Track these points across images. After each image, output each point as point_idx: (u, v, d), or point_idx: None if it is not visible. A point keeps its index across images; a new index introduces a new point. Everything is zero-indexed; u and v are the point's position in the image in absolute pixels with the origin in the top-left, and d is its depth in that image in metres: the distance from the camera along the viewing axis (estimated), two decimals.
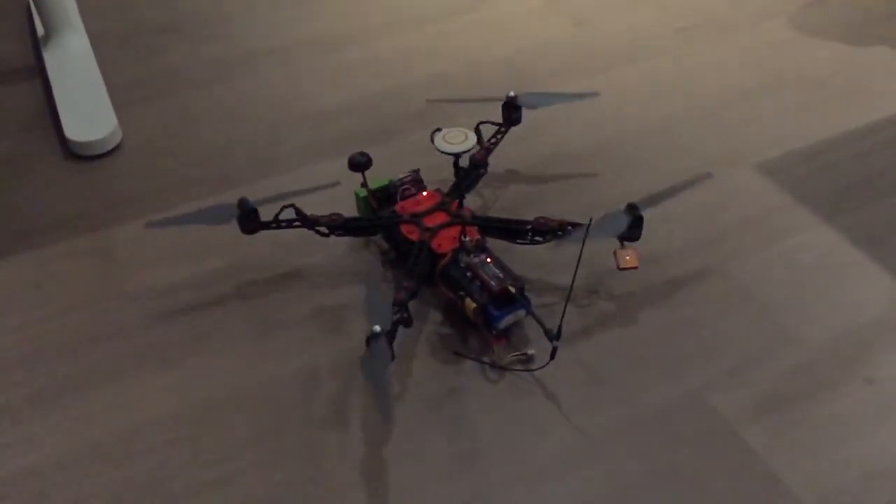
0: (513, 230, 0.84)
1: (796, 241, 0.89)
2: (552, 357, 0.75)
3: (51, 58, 1.18)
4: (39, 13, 1.19)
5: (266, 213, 0.85)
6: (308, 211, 0.85)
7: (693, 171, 0.98)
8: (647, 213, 0.81)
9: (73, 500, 0.69)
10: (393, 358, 0.72)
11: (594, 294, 0.84)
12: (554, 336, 0.73)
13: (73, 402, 0.77)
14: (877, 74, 1.12)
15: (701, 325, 0.81)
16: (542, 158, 1.01)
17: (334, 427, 0.74)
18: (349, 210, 0.88)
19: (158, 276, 0.88)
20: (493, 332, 0.77)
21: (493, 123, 0.95)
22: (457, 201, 0.86)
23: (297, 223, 0.85)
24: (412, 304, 0.78)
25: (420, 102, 1.11)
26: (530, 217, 0.84)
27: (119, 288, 0.87)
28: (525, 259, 0.86)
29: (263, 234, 0.86)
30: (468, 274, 0.78)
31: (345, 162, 0.86)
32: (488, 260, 0.79)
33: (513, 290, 0.76)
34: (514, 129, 0.98)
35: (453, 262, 0.79)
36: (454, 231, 0.82)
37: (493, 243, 0.84)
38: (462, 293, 0.77)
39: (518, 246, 0.85)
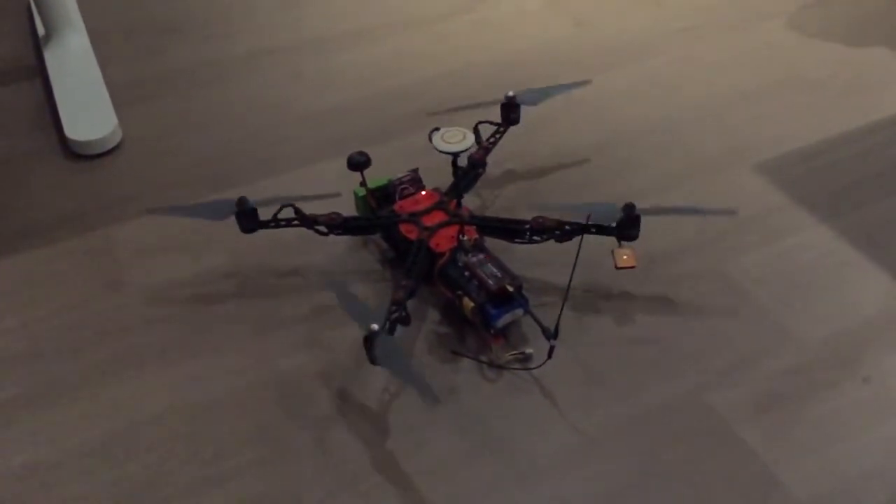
0: (511, 229, 0.84)
1: (795, 241, 0.89)
2: (549, 356, 0.75)
3: (51, 57, 1.19)
4: (40, 12, 1.19)
5: (265, 213, 0.85)
6: (307, 210, 0.85)
7: (692, 170, 0.98)
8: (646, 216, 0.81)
9: (71, 498, 0.70)
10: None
11: (592, 293, 0.84)
12: (551, 335, 0.74)
13: (72, 400, 0.77)
14: (876, 75, 1.12)
15: (699, 324, 0.81)
16: (540, 158, 1.01)
17: (333, 425, 0.74)
18: (348, 209, 0.88)
19: (158, 274, 0.89)
20: (491, 331, 0.77)
21: (491, 123, 0.95)
22: (455, 201, 0.86)
23: (295, 222, 0.85)
24: (410, 303, 0.79)
25: (419, 102, 1.11)
26: (528, 217, 0.84)
27: (118, 287, 0.88)
28: (523, 258, 0.86)
29: (262, 233, 0.86)
30: (466, 273, 0.78)
31: (344, 162, 0.86)
32: (486, 259, 0.79)
33: (510, 289, 0.76)
34: (512, 129, 0.98)
35: (451, 261, 0.80)
36: (452, 230, 0.82)
37: (491, 243, 0.84)
38: (460, 292, 0.78)
39: (516, 245, 0.85)
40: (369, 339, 0.70)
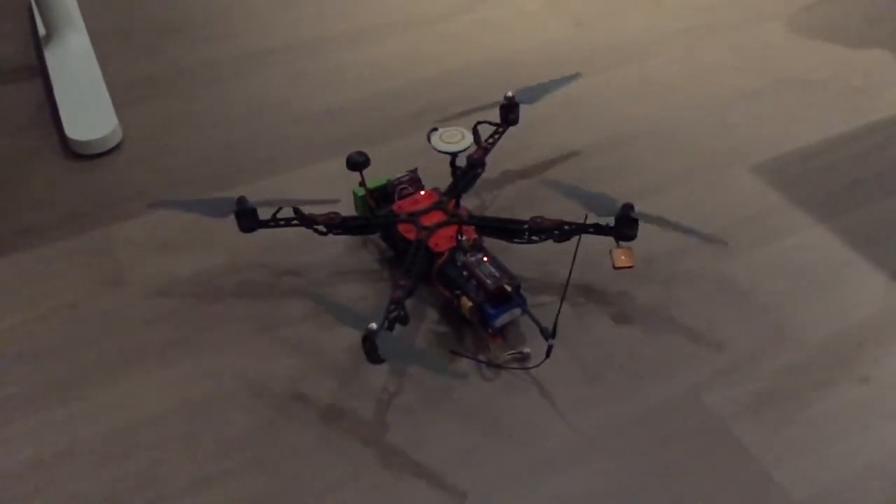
0: (509, 229, 0.84)
1: (793, 241, 0.89)
2: (547, 355, 0.75)
3: (52, 57, 1.19)
4: (40, 12, 1.20)
5: (264, 213, 0.85)
6: (306, 210, 0.86)
7: (690, 171, 0.99)
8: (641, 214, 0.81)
9: (70, 496, 0.70)
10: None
11: (590, 293, 0.84)
12: (549, 334, 0.74)
13: (71, 398, 0.77)
14: (876, 76, 1.12)
15: (696, 323, 0.81)
16: (539, 159, 1.01)
17: (332, 424, 0.74)
18: (347, 209, 0.89)
19: (158, 274, 0.89)
20: (490, 331, 0.77)
21: (490, 123, 0.95)
22: (454, 201, 0.86)
23: (295, 222, 0.85)
24: (409, 303, 0.79)
25: (419, 102, 1.11)
26: (527, 216, 0.84)
27: (118, 286, 0.88)
28: (522, 258, 0.86)
29: (262, 232, 0.86)
30: (465, 273, 0.78)
31: (343, 162, 0.86)
32: (485, 259, 0.79)
33: (509, 288, 0.76)
34: (511, 129, 0.98)
35: (450, 260, 0.80)
36: (451, 230, 0.83)
37: (490, 243, 0.84)
38: (458, 292, 0.78)
39: (515, 245, 0.85)
40: (368, 339, 0.70)
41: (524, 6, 1.30)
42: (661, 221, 0.82)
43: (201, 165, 1.03)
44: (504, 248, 0.85)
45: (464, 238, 0.81)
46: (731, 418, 0.73)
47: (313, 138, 1.06)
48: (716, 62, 1.16)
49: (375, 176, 0.88)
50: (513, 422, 0.73)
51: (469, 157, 0.91)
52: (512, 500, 0.68)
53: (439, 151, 0.82)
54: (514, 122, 0.97)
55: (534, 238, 0.83)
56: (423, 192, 0.88)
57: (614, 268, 0.82)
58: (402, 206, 0.86)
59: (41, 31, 1.24)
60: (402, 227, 0.84)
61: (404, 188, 0.88)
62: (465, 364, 0.78)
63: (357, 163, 0.85)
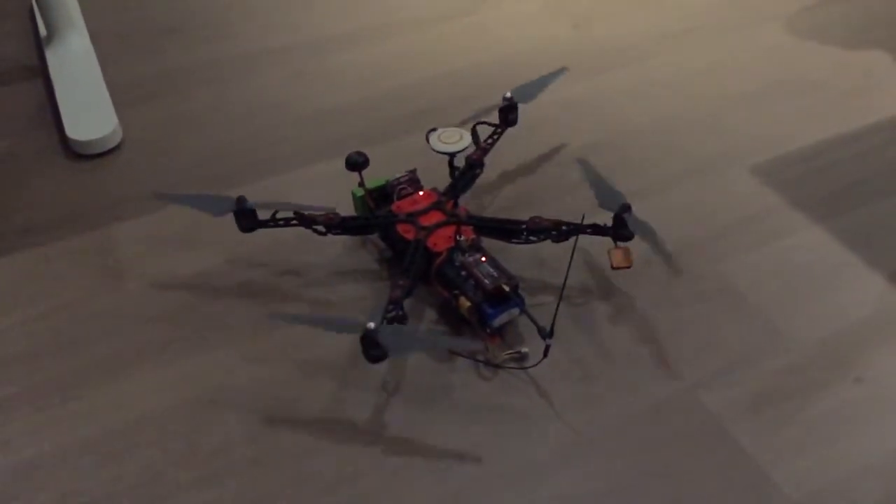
0: (508, 230, 0.84)
1: (790, 242, 0.89)
2: (545, 355, 0.75)
3: (52, 57, 1.19)
4: (41, 13, 1.20)
5: (263, 213, 0.86)
6: (305, 211, 0.86)
7: (688, 172, 0.99)
8: (637, 213, 0.81)
9: (69, 495, 0.70)
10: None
11: (588, 293, 0.84)
12: (547, 334, 0.74)
13: (71, 397, 0.78)
14: (874, 78, 1.12)
15: (693, 324, 0.81)
16: (538, 159, 1.02)
17: (330, 424, 0.74)
18: (346, 209, 0.89)
19: (157, 273, 0.89)
20: (488, 330, 0.78)
21: (489, 124, 0.96)
22: (452, 201, 0.86)
23: (294, 222, 0.86)
24: (407, 302, 0.79)
25: (418, 103, 1.11)
26: (526, 217, 0.84)
27: (118, 285, 0.88)
28: (520, 258, 0.87)
29: (261, 232, 0.86)
30: (463, 273, 0.78)
31: (343, 162, 0.87)
32: (483, 259, 0.79)
33: (507, 288, 0.76)
34: (510, 130, 0.98)
35: (448, 260, 0.80)
36: (450, 230, 0.83)
37: (488, 243, 0.85)
38: (457, 291, 0.78)
39: (513, 245, 0.85)
40: (366, 338, 0.71)
41: (523, 8, 1.30)
42: (645, 230, 0.82)
43: (201, 165, 1.03)
44: (502, 249, 0.86)
45: (462, 238, 0.81)
46: (728, 418, 0.73)
47: (313, 139, 1.07)
48: (715, 63, 1.16)
49: (374, 176, 0.88)
50: (511, 421, 0.74)
51: (468, 158, 0.92)
52: (510, 499, 0.68)
53: (437, 152, 0.83)
54: (513, 122, 0.97)
55: (532, 238, 0.84)
56: (421, 193, 0.88)
57: (612, 268, 0.82)
58: (401, 206, 0.86)
59: (42, 31, 1.24)
60: (400, 228, 0.84)
61: (403, 188, 0.88)
62: (463, 364, 0.78)
63: (356, 163, 0.86)
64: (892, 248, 0.88)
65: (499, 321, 0.77)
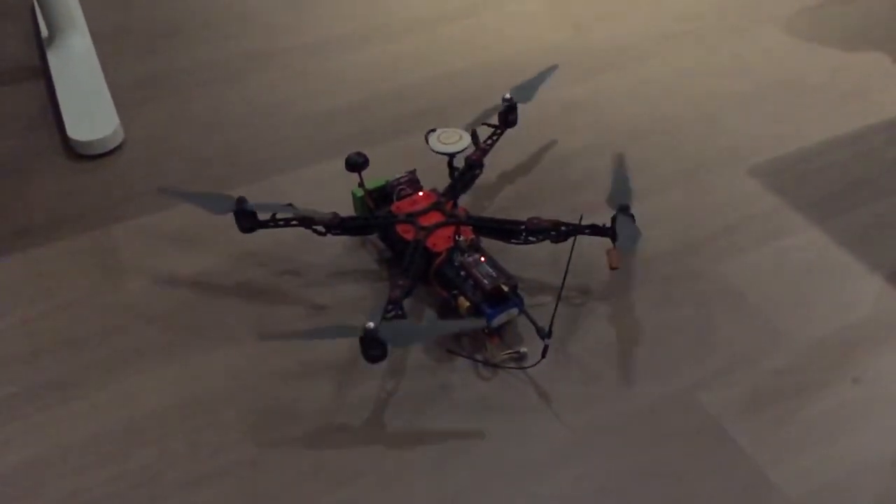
0: (507, 230, 0.85)
1: (789, 242, 0.90)
2: (544, 355, 0.76)
3: (54, 58, 1.20)
4: (43, 14, 1.21)
5: (264, 213, 0.86)
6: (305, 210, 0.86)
7: (687, 173, 0.99)
8: (637, 213, 0.82)
9: (70, 493, 0.70)
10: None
11: (587, 293, 0.85)
12: (545, 334, 0.74)
13: (72, 396, 0.78)
14: (871, 79, 1.12)
15: (691, 324, 0.81)
16: (537, 159, 1.02)
17: (329, 423, 0.75)
18: (346, 209, 0.89)
19: (158, 273, 0.90)
20: (486, 330, 0.78)
21: (489, 125, 0.96)
22: (451, 201, 0.87)
23: (294, 222, 0.86)
24: (407, 302, 0.80)
25: (418, 104, 1.12)
26: (525, 217, 0.85)
27: (119, 285, 0.89)
28: (519, 259, 0.87)
29: (261, 232, 0.87)
30: (462, 273, 0.79)
31: (343, 162, 0.87)
32: (482, 259, 0.80)
33: (506, 288, 0.77)
34: (510, 131, 0.99)
35: (448, 261, 0.80)
36: (449, 231, 0.83)
37: (487, 243, 0.85)
38: (456, 292, 0.78)
39: (512, 246, 0.86)
40: (365, 339, 0.71)
41: (524, 10, 1.31)
42: (632, 232, 0.81)
43: (202, 166, 1.04)
44: (501, 249, 0.86)
45: (461, 238, 0.81)
46: (727, 418, 0.73)
47: (313, 139, 1.07)
48: (714, 64, 1.17)
49: (374, 177, 0.88)
50: (510, 421, 0.74)
51: (467, 159, 0.92)
52: (510, 498, 0.69)
53: (437, 152, 0.83)
54: (513, 123, 0.98)
55: (531, 239, 0.84)
56: (421, 193, 0.88)
57: (611, 268, 0.82)
58: (401, 206, 0.87)
59: (43, 32, 1.24)
60: (400, 228, 0.85)
61: (403, 189, 0.88)
62: (461, 363, 0.79)
63: (356, 163, 0.86)
64: (890, 248, 0.88)
65: (498, 321, 0.77)
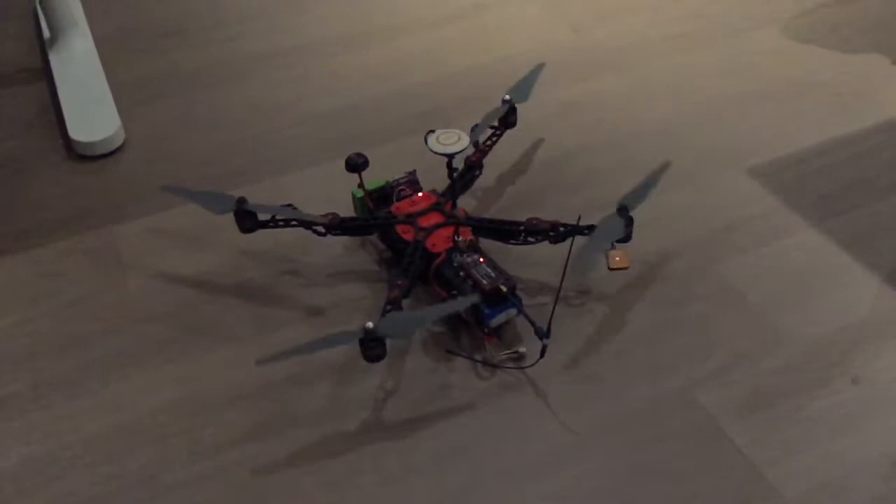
0: (506, 231, 0.85)
1: (786, 243, 0.90)
2: (542, 355, 0.76)
3: (56, 59, 1.20)
4: (45, 15, 1.21)
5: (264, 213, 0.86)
6: (305, 211, 0.87)
7: (686, 174, 0.99)
8: (637, 216, 0.82)
9: (71, 492, 0.71)
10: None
11: (585, 294, 0.85)
12: (544, 334, 0.75)
13: (73, 395, 0.78)
14: (870, 81, 1.13)
15: (690, 324, 0.82)
16: (536, 160, 1.02)
17: (329, 422, 0.75)
18: (346, 210, 0.90)
19: (159, 273, 0.90)
20: (485, 331, 0.78)
21: (488, 126, 0.96)
22: (451, 202, 0.87)
23: (294, 222, 0.86)
24: (406, 302, 0.80)
25: (418, 105, 1.12)
26: (523, 218, 0.85)
27: (121, 285, 0.89)
28: (518, 259, 0.87)
29: (261, 232, 0.87)
30: (461, 273, 0.79)
31: (343, 163, 0.87)
32: (481, 260, 0.80)
33: (504, 289, 0.77)
34: (509, 132, 0.99)
35: (447, 261, 0.81)
36: (448, 231, 0.84)
37: (486, 244, 0.85)
38: (455, 292, 0.79)
39: (511, 246, 0.86)
40: (364, 339, 0.71)
41: (523, 12, 1.31)
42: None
43: (203, 166, 1.04)
44: (500, 250, 0.86)
45: (460, 239, 0.82)
46: (725, 418, 0.74)
47: (313, 140, 1.08)
48: (713, 66, 1.17)
49: (374, 177, 0.89)
50: (507, 420, 0.74)
51: (467, 159, 0.92)
52: (507, 497, 0.69)
53: (436, 153, 0.83)
54: (513, 124, 0.98)
55: (529, 239, 0.84)
56: (420, 194, 0.89)
57: (609, 269, 0.83)
58: (400, 207, 0.87)
59: (46, 33, 1.25)
60: (399, 228, 0.85)
61: (402, 190, 0.89)
62: (460, 363, 0.79)
63: (356, 164, 0.86)
64: (889, 248, 0.89)
65: (496, 321, 0.78)
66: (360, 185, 0.88)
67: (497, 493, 0.69)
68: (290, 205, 0.88)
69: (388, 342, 0.73)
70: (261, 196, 0.98)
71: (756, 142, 1.04)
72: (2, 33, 1.32)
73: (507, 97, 0.96)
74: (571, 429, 0.74)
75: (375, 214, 0.88)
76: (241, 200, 0.85)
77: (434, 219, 0.85)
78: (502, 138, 0.98)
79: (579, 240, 0.83)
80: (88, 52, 1.22)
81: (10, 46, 1.29)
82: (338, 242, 0.92)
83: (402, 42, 1.25)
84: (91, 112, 1.10)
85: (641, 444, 0.72)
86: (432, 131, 0.82)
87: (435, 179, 0.92)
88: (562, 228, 0.83)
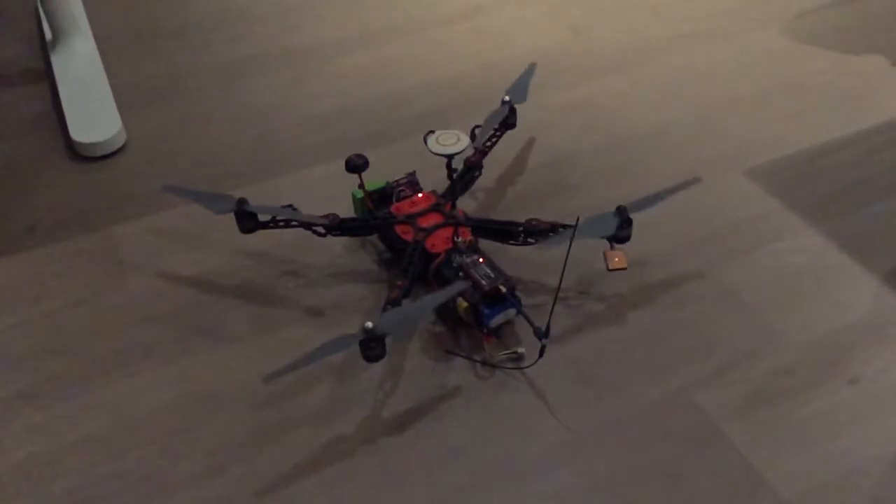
0: (505, 231, 0.85)
1: (784, 245, 0.90)
2: (541, 355, 0.76)
3: (58, 60, 1.21)
4: (47, 17, 1.22)
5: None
6: (305, 211, 0.87)
7: (685, 175, 1.00)
8: (636, 216, 0.82)
9: (71, 491, 0.71)
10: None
11: (584, 294, 0.85)
12: (542, 334, 0.75)
13: (73, 395, 0.79)
14: (868, 83, 1.13)
15: (688, 325, 0.82)
16: (536, 161, 1.03)
17: (328, 422, 0.75)
18: (346, 211, 0.90)
19: (160, 273, 0.90)
20: (484, 331, 0.78)
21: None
22: (450, 203, 0.87)
23: (294, 223, 0.87)
24: (405, 303, 0.80)
25: (418, 106, 1.12)
26: (523, 219, 0.85)
27: (122, 285, 0.89)
28: (517, 260, 0.87)
29: (261, 233, 0.87)
30: (460, 274, 0.79)
31: (343, 164, 0.88)
32: (480, 260, 0.80)
33: (503, 289, 0.77)
34: (509, 133, 0.99)
35: (446, 261, 0.81)
36: (448, 232, 0.84)
37: (486, 244, 0.86)
38: None
39: (510, 247, 0.86)
40: (364, 339, 0.71)
41: (523, 14, 1.31)
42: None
43: (204, 167, 1.05)
44: (499, 250, 0.87)
45: (460, 240, 0.82)
46: (722, 418, 0.74)
47: (314, 141, 1.08)
48: (712, 68, 1.17)
49: (374, 178, 0.89)
50: (506, 420, 0.75)
51: (466, 160, 0.93)
52: (506, 497, 0.69)
53: (435, 154, 0.83)
54: (512, 125, 0.98)
55: (529, 240, 0.84)
56: (420, 195, 0.89)
57: (608, 270, 0.83)
58: (400, 207, 0.87)
59: (47, 34, 1.25)
60: (399, 229, 0.85)
61: (402, 190, 0.89)
62: (460, 363, 0.79)
63: (356, 165, 0.87)
64: (886, 250, 0.89)
65: (495, 322, 0.78)
66: (360, 186, 0.88)
67: (496, 493, 0.69)
68: (290, 205, 0.88)
69: (387, 342, 0.73)
70: (261, 197, 0.98)
71: (756, 143, 1.04)
72: (3, 34, 1.32)
73: (507, 98, 0.97)
74: (570, 429, 0.74)
75: (375, 215, 0.88)
76: (242, 201, 0.85)
77: (434, 219, 0.86)
78: (502, 139, 0.99)
79: (579, 241, 0.83)
80: (90, 53, 1.22)
81: (11, 47, 1.29)
82: (338, 243, 0.92)
83: (403, 43, 1.25)
84: (92, 113, 1.11)
85: (640, 445, 0.72)
86: (432, 132, 0.83)
87: (435, 180, 0.93)
88: (561, 229, 0.83)
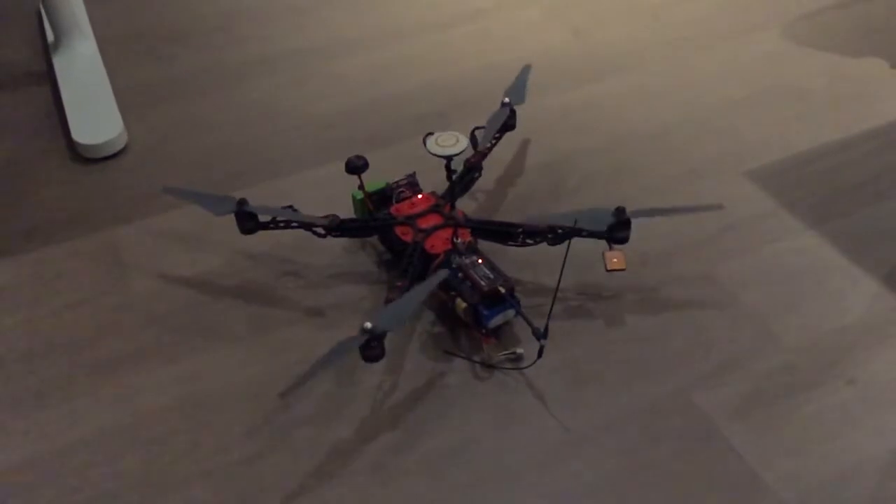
0: (504, 232, 0.85)
1: (783, 246, 0.90)
2: (540, 356, 0.76)
3: (60, 62, 1.21)
4: (49, 19, 1.22)
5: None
6: (306, 212, 0.87)
7: (685, 176, 1.00)
8: (636, 218, 0.82)
9: (69, 491, 0.71)
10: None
11: (583, 295, 0.85)
12: (541, 335, 0.75)
13: (74, 395, 0.79)
14: (867, 85, 1.13)
15: (687, 325, 0.82)
16: (535, 163, 1.03)
17: (328, 422, 0.75)
18: (346, 212, 0.90)
19: (160, 274, 0.91)
20: (483, 331, 0.79)
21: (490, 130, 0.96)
22: (449, 204, 0.88)
23: (294, 224, 0.87)
24: None
25: (418, 108, 1.13)
26: (521, 220, 0.85)
27: (122, 286, 0.90)
28: (516, 260, 0.88)
29: (261, 234, 0.88)
30: (460, 274, 0.80)
31: (343, 165, 0.88)
32: (479, 261, 0.80)
33: (502, 290, 0.77)
34: (508, 134, 1.00)
35: (446, 262, 0.81)
36: (447, 233, 0.84)
37: (485, 245, 0.86)
38: (453, 293, 0.79)
39: (509, 248, 0.86)
40: (367, 341, 0.71)
41: (524, 16, 1.32)
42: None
43: (205, 169, 1.05)
44: (498, 251, 0.87)
45: (459, 241, 0.82)
46: (720, 419, 0.74)
47: (314, 142, 1.08)
48: (712, 70, 1.18)
49: (374, 179, 0.89)
50: (506, 420, 0.75)
51: (466, 162, 0.93)
52: (505, 497, 0.69)
53: (434, 155, 0.84)
54: (512, 127, 0.99)
55: (528, 241, 0.85)
56: (420, 196, 0.89)
57: (607, 271, 0.83)
58: (400, 209, 0.88)
59: (49, 36, 1.26)
60: (399, 230, 0.86)
61: (402, 192, 0.89)
62: (459, 364, 0.79)
63: (356, 167, 0.87)
64: (884, 251, 0.89)
65: (494, 322, 0.78)
66: (360, 187, 0.88)
67: (495, 493, 0.70)
68: (290, 206, 0.88)
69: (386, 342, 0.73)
70: (261, 198, 0.99)
71: (755, 144, 1.04)
72: (5, 36, 1.33)
73: (507, 99, 0.97)
74: (569, 429, 0.74)
75: (375, 216, 0.88)
76: (242, 202, 0.86)
77: (433, 220, 0.86)
78: (501, 141, 0.99)
79: (577, 241, 0.83)
80: (92, 55, 1.23)
81: (13, 49, 1.30)
82: (338, 244, 0.92)
83: (403, 45, 1.26)
84: (94, 115, 1.11)
85: (638, 445, 0.72)
86: (431, 134, 0.83)
87: (434, 181, 0.93)
88: (560, 230, 0.83)
